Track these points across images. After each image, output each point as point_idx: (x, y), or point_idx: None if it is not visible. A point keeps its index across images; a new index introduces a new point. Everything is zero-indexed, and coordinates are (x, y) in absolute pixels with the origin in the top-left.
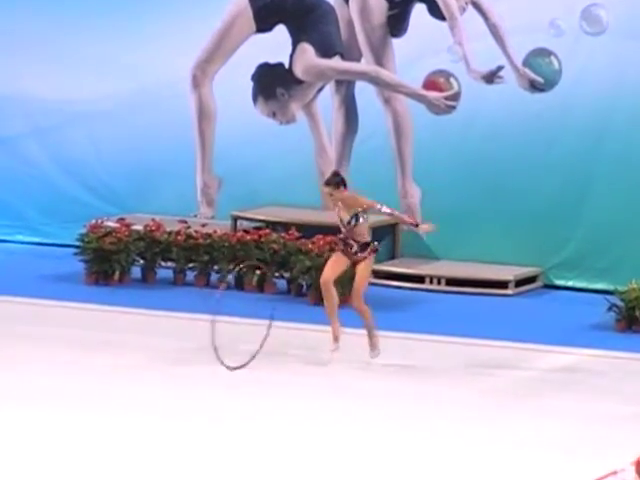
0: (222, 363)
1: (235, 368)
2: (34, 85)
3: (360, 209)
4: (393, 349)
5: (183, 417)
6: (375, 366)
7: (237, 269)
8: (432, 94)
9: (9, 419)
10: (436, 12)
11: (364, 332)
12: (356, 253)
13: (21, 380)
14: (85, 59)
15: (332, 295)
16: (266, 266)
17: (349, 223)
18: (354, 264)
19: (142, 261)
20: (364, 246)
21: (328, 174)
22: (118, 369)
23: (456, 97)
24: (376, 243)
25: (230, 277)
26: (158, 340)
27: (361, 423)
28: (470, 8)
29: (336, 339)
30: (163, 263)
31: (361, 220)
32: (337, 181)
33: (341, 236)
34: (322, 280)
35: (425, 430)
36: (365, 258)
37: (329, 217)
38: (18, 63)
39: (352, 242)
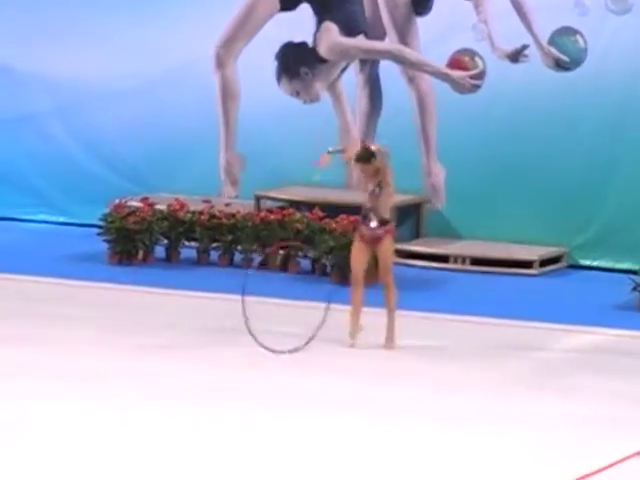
0: (266, 347)
1: (289, 351)
2: (58, 63)
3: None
4: (417, 330)
5: (217, 399)
6: (401, 347)
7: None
8: (457, 73)
9: (48, 396)
10: None
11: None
12: (374, 229)
13: (54, 359)
14: (109, 37)
15: (360, 292)
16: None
17: (373, 192)
18: (373, 245)
19: (166, 241)
20: (383, 223)
21: (352, 153)
22: (144, 349)
23: (481, 76)
24: (393, 224)
25: (256, 257)
26: (182, 319)
27: (389, 406)
28: None
29: (352, 335)
30: (187, 243)
31: (385, 191)
32: (368, 155)
33: (363, 211)
34: (353, 275)
35: (454, 413)
36: (381, 238)
37: (353, 196)
38: (42, 41)
39: (372, 216)
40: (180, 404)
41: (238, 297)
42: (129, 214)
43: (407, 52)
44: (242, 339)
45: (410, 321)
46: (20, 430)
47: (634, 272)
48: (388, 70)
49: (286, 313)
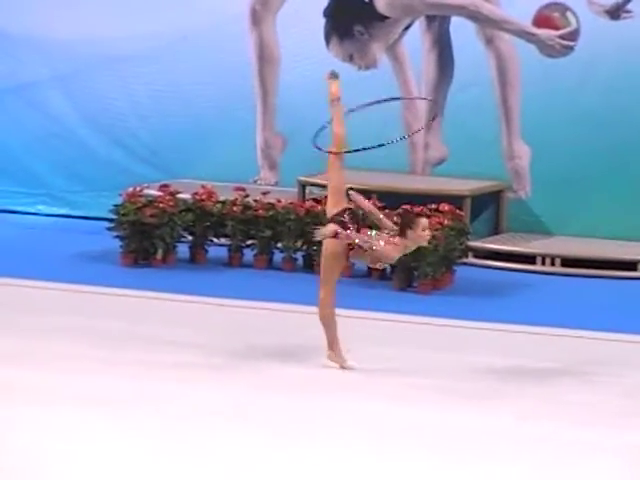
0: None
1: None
2: (57, 22)
3: None
4: (496, 343)
5: (253, 424)
6: (478, 363)
7: None
8: (544, 32)
9: (46, 424)
10: None
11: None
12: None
13: (52, 381)
14: None
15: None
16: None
17: None
18: None
19: (190, 237)
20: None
21: (416, 130)
22: (162, 368)
23: (574, 35)
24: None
25: (298, 256)
26: (209, 333)
27: (465, 436)
28: None
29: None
30: (215, 240)
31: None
32: None
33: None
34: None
35: (543, 446)
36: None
37: (418, 182)
38: None
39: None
40: (217, 429)
41: (277, 306)
42: (145, 205)
43: (485, 7)
44: (279, 358)
45: (488, 333)
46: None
47: None
48: (461, 29)
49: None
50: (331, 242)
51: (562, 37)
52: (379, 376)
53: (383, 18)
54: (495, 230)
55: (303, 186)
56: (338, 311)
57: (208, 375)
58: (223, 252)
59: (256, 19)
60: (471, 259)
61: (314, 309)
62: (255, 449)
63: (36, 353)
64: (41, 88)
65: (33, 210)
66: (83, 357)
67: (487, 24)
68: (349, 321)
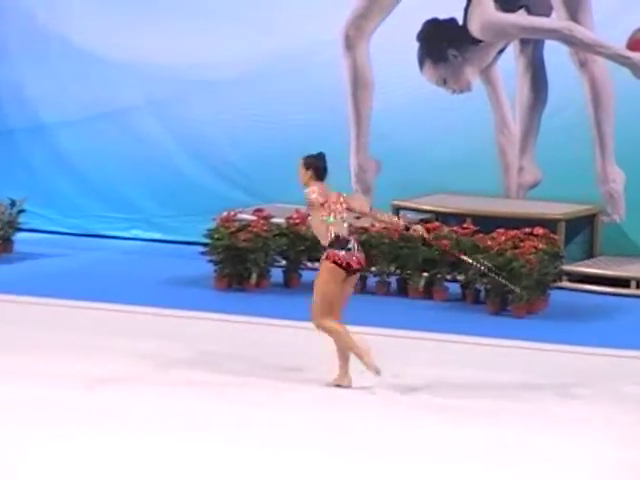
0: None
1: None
2: (148, 49)
3: None
4: (588, 370)
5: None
6: (573, 388)
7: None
8: (638, 55)
9: (160, 451)
10: None
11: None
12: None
13: (160, 407)
14: (210, 18)
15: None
16: (436, 267)
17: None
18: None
19: (284, 262)
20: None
21: (511, 154)
22: (259, 395)
23: None
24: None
25: (392, 280)
26: (304, 359)
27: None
28: None
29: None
30: (309, 264)
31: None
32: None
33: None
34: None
35: None
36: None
37: (512, 206)
38: (130, 23)
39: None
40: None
41: (374, 331)
42: (239, 229)
43: (579, 31)
44: (377, 388)
45: (579, 358)
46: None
47: None
48: (554, 53)
49: (430, 347)
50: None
51: None
52: (468, 399)
53: (477, 42)
54: (589, 254)
55: (397, 210)
56: (435, 335)
57: (308, 398)
58: None
59: (350, 44)
60: (565, 283)
61: (407, 332)
62: None
63: (131, 378)
64: (136, 114)
65: (128, 235)
66: (178, 381)
67: (581, 47)
68: (446, 345)
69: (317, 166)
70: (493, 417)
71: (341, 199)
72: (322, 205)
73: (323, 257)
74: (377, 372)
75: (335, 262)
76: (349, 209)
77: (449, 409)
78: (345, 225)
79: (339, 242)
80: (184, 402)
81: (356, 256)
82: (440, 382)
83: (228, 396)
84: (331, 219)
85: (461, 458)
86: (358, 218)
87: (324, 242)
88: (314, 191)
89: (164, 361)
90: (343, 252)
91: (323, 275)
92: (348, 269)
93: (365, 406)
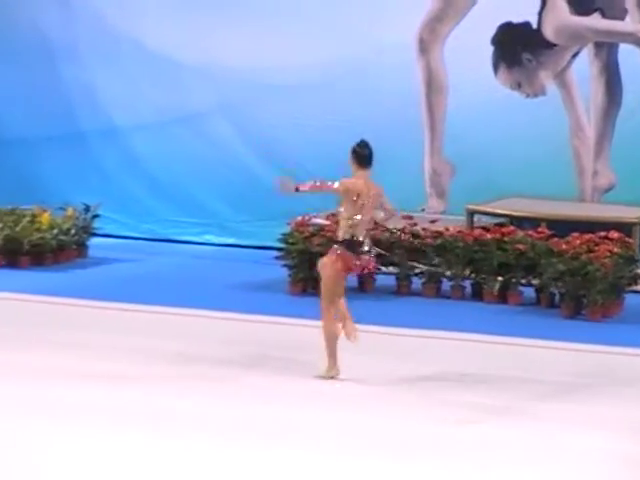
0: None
1: None
2: (222, 53)
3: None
4: None
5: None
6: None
7: None
8: None
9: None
10: None
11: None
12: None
13: (236, 412)
14: (283, 21)
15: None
16: (511, 271)
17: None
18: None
19: None
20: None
21: (586, 158)
22: (338, 400)
23: None
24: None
25: (467, 284)
26: (378, 362)
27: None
28: None
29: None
30: (383, 268)
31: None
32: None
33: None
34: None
35: None
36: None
37: (587, 210)
38: (203, 26)
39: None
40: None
41: (449, 335)
42: (314, 234)
43: None
44: (452, 385)
45: None
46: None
47: None
48: (629, 56)
49: (502, 352)
50: (329, 258)
51: None
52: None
53: (551, 45)
54: None
55: (471, 214)
56: (512, 340)
57: (395, 405)
58: (391, 280)
59: (424, 47)
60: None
61: (480, 336)
62: None
63: (205, 381)
64: (210, 117)
65: (201, 240)
66: (257, 386)
67: None
68: (519, 349)
69: (359, 153)
70: (569, 421)
71: (381, 194)
72: (355, 200)
73: (334, 247)
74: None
75: (341, 261)
76: (382, 206)
77: (524, 412)
78: (368, 225)
79: (351, 245)
80: (258, 407)
81: (361, 260)
82: (516, 386)
83: (315, 403)
84: (357, 218)
85: (537, 461)
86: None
87: (339, 235)
88: (342, 182)
89: (238, 365)
90: (352, 254)
91: (328, 269)
92: (349, 271)
93: (437, 411)
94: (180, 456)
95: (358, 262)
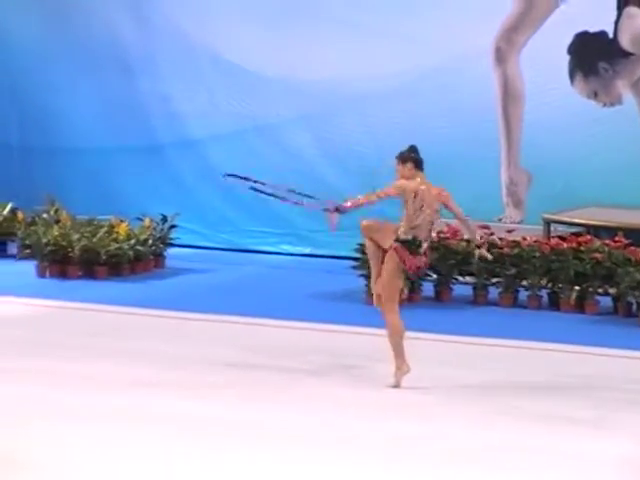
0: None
1: None
2: (298, 63)
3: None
4: None
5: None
6: None
7: None
8: None
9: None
10: None
11: None
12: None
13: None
14: (361, 31)
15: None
16: (588, 281)
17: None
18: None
19: (435, 275)
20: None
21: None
22: (420, 407)
23: None
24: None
25: (543, 294)
26: (462, 372)
27: None
28: None
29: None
30: (461, 278)
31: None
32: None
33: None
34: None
35: None
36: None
37: None
38: (281, 38)
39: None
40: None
41: (526, 344)
42: None
43: None
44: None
45: None
46: None
47: None
48: None
49: (576, 360)
50: (391, 257)
51: None
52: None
53: (627, 55)
54: None
55: (548, 223)
56: (590, 349)
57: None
58: (468, 290)
59: (500, 56)
60: None
61: (558, 346)
62: None
63: (269, 396)
64: (286, 127)
65: (278, 250)
66: (323, 395)
67: None
68: (596, 359)
69: (414, 157)
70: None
71: (443, 194)
72: (414, 198)
73: (395, 245)
74: (397, 384)
75: (397, 255)
76: (446, 207)
77: (593, 423)
78: (428, 226)
79: (409, 244)
80: (324, 415)
81: (416, 260)
82: (596, 395)
83: (386, 412)
84: (418, 219)
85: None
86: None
87: (400, 235)
88: (396, 185)
89: (312, 374)
90: (407, 251)
91: (388, 263)
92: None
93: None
94: (246, 465)
95: (413, 259)
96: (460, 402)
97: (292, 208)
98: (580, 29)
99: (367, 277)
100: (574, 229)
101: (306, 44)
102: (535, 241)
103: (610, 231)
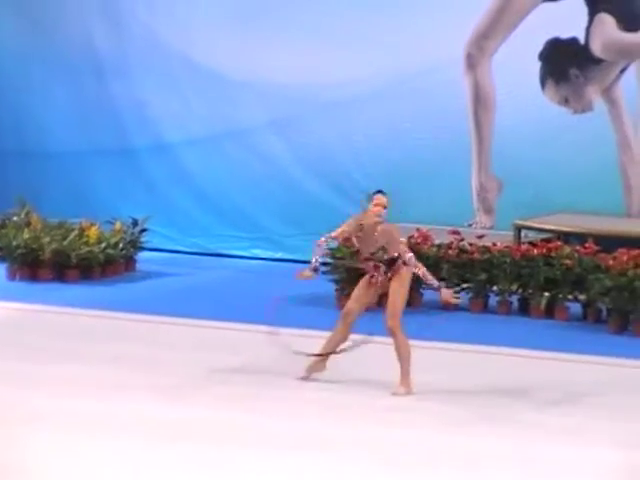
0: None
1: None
2: (272, 69)
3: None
4: None
5: None
6: None
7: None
8: None
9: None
10: None
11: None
12: (385, 272)
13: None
14: (333, 37)
15: (345, 329)
16: (558, 287)
17: (372, 254)
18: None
19: None
20: (391, 262)
21: (633, 174)
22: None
23: None
24: (409, 256)
25: (513, 299)
26: (431, 377)
27: None
28: None
29: (308, 371)
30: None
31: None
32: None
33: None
34: (345, 310)
35: None
36: (395, 273)
37: (634, 226)
38: (253, 42)
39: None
40: None
41: (496, 350)
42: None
43: None
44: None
45: None
46: None
47: None
48: None
49: (546, 366)
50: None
51: None
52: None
53: (599, 61)
54: None
55: (518, 229)
56: (559, 355)
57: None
58: (438, 295)
59: (471, 63)
60: None
61: (529, 352)
62: None
63: (248, 395)
64: (259, 133)
65: (249, 254)
66: (311, 399)
67: None
68: (565, 365)
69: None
70: (612, 437)
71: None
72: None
73: (403, 269)
74: (408, 392)
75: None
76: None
77: (566, 429)
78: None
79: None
80: (306, 420)
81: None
82: (562, 401)
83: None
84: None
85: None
86: None
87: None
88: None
89: (287, 377)
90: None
91: (406, 282)
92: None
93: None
94: (220, 471)
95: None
96: (430, 408)
97: (263, 212)
98: (551, 35)
99: (337, 282)
100: (544, 235)
101: (280, 49)
102: (505, 247)
103: (580, 237)
